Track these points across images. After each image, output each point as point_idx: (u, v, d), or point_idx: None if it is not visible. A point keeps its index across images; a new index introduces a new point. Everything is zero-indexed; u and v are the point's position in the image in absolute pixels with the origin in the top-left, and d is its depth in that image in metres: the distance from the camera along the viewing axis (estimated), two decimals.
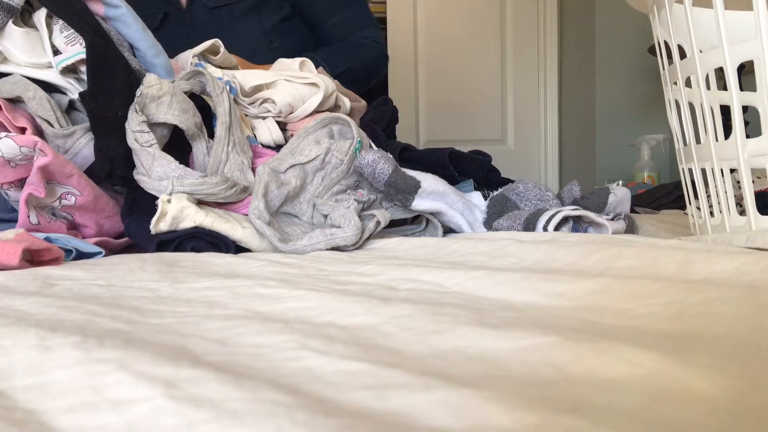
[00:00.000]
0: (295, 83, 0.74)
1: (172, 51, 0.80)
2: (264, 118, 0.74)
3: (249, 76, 0.75)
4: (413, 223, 0.68)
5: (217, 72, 0.75)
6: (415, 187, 0.61)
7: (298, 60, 0.81)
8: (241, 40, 1.06)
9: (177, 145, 0.61)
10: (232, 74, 0.76)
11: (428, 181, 0.62)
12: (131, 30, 0.65)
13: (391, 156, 0.62)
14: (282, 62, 0.83)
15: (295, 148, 0.63)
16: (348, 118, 0.66)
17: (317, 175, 0.62)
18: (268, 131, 0.72)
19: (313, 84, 0.75)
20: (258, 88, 0.75)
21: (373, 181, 0.61)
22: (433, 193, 0.62)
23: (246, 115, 0.74)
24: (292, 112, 0.74)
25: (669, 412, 0.15)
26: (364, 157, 0.61)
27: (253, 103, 0.74)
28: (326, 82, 0.76)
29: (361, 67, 1.09)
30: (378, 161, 0.60)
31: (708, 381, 0.17)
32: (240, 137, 0.63)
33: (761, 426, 0.15)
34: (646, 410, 0.16)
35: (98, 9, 0.63)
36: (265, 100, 0.73)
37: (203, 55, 0.80)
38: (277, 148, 0.71)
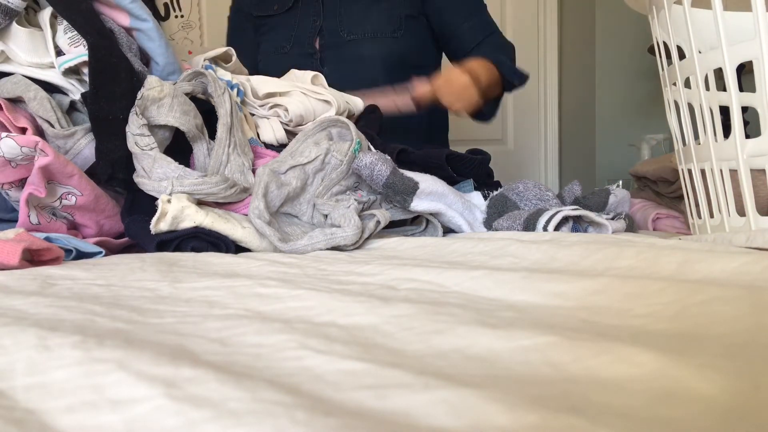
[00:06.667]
0: (311, 97, 0.75)
1: (302, 28, 1.06)
2: (269, 118, 0.74)
3: (264, 83, 0.76)
4: (413, 223, 0.68)
5: (226, 75, 0.75)
6: (413, 188, 0.61)
7: (310, 73, 0.82)
8: (366, 20, 1.17)
9: (178, 147, 0.61)
10: (246, 78, 0.76)
11: (426, 182, 0.62)
12: (155, 44, 0.65)
13: (389, 158, 0.62)
14: (293, 73, 0.84)
15: (295, 151, 0.63)
16: (347, 120, 0.66)
17: (317, 176, 0.62)
18: (271, 130, 0.72)
19: (326, 101, 0.76)
20: (271, 95, 0.75)
21: (372, 182, 0.61)
22: (431, 193, 0.62)
23: (252, 114, 0.74)
24: (301, 124, 0.75)
25: (669, 412, 0.15)
26: (362, 159, 0.60)
27: (263, 105, 0.74)
28: (338, 101, 0.77)
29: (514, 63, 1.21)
30: (376, 163, 0.60)
31: (708, 381, 0.17)
32: (241, 138, 0.63)
33: (761, 426, 0.15)
34: (646, 410, 0.16)
35: (123, 20, 0.63)
36: (277, 106, 0.74)
37: (215, 62, 0.80)
38: (279, 147, 0.71)
